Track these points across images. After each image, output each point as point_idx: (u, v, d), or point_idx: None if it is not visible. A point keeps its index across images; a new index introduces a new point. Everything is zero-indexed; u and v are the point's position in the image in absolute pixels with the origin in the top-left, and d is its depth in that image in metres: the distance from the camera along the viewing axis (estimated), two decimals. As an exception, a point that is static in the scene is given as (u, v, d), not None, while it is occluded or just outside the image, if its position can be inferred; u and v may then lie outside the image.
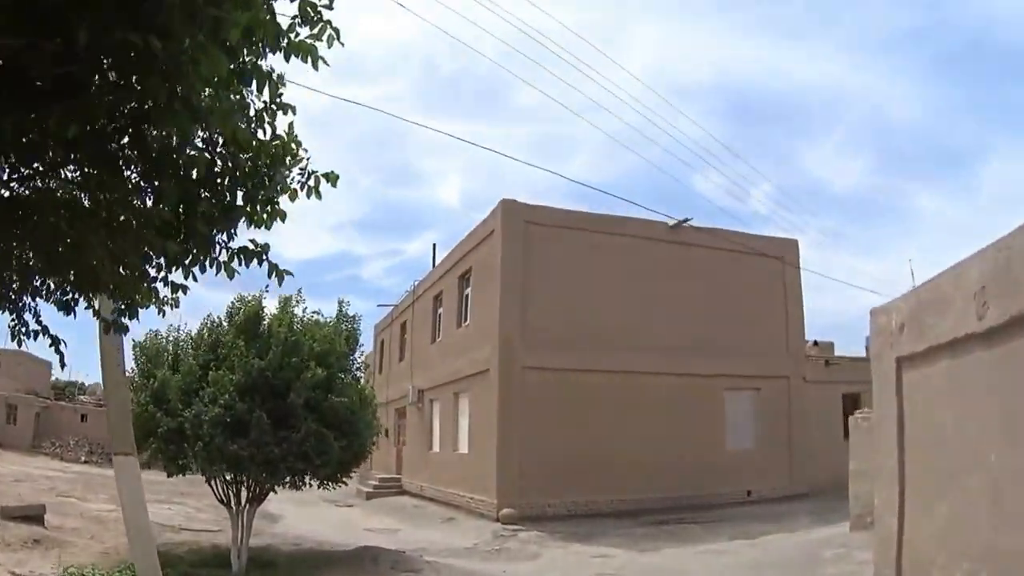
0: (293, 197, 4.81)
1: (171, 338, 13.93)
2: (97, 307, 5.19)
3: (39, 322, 5.16)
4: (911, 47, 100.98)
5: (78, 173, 4.28)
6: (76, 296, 4.93)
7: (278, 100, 4.49)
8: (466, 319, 25.79)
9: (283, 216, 4.84)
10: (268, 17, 3.66)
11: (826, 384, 26.51)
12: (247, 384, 12.05)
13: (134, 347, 13.58)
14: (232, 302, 13.68)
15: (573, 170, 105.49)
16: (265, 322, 13.18)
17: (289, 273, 4.85)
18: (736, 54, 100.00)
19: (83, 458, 43.83)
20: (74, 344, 5.20)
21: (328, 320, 14.10)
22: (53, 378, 63.52)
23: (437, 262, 31.97)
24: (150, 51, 3.09)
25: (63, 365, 5.38)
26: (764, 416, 24.94)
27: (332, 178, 4.84)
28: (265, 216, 4.76)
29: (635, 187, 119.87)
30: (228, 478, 12.97)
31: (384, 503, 28.09)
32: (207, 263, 4.70)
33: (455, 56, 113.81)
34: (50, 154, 3.94)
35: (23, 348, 5.81)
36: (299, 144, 4.74)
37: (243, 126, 4.26)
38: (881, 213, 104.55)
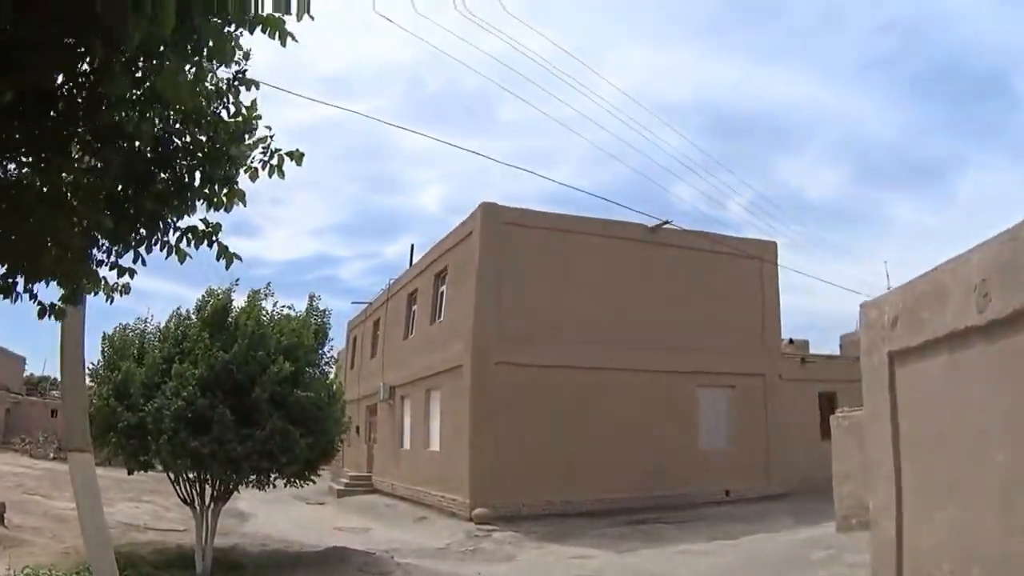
0: (254, 177, 4.46)
1: (139, 331, 13.48)
2: (35, 290, 4.80)
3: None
4: (887, 70, 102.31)
5: (16, 147, 3.91)
6: (14, 279, 4.54)
7: (242, 75, 4.17)
8: (440, 316, 25.42)
9: (243, 197, 4.48)
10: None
11: (802, 382, 26.35)
12: (210, 378, 11.58)
13: (103, 340, 13.24)
14: (201, 295, 13.28)
15: (557, 178, 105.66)
16: (233, 315, 12.75)
17: (238, 257, 4.51)
18: (716, 75, 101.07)
19: (51, 454, 43.08)
20: (51, 338, 4.88)
21: (298, 314, 13.68)
22: (27, 373, 62.71)
23: (414, 262, 31.54)
24: (90, 6, 2.74)
25: None
26: (740, 414, 24.75)
27: (296, 156, 4.50)
28: (224, 197, 4.41)
29: (620, 190, 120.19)
30: (191, 476, 12.51)
31: (355, 502, 27.70)
32: (155, 244, 4.35)
33: (441, 74, 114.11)
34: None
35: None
36: (258, 118, 4.38)
37: (199, 96, 3.91)
38: (856, 221, 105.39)
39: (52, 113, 3.60)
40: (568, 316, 22.30)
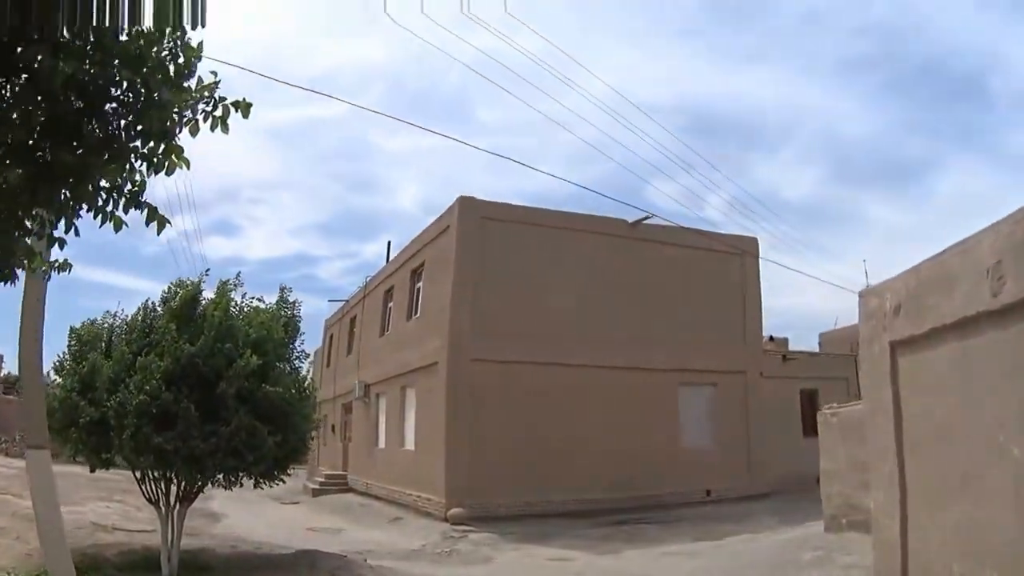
0: (194, 131, 3.99)
1: (107, 324, 12.93)
2: None
3: None
4: (865, 71, 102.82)
5: None
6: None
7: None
8: (416, 312, 25.01)
9: (180, 154, 4.01)
10: None
11: (783, 379, 26.23)
12: (176, 371, 11.04)
13: (70, 333, 12.65)
14: (168, 286, 12.74)
15: (534, 182, 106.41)
16: (201, 307, 12.22)
17: (168, 221, 4.05)
18: (696, 76, 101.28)
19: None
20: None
21: (268, 306, 13.13)
22: (5, 372, 61.84)
23: (391, 259, 31.09)
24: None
25: None
26: (721, 412, 24.52)
27: (243, 106, 4.04)
28: (160, 154, 3.94)
29: (596, 198, 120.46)
30: (156, 475, 11.98)
31: (330, 501, 27.34)
32: (84, 209, 3.90)
33: (421, 76, 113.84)
34: None
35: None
36: (198, 59, 3.90)
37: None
38: (833, 221, 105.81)
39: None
40: (547, 312, 21.94)
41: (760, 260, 26.48)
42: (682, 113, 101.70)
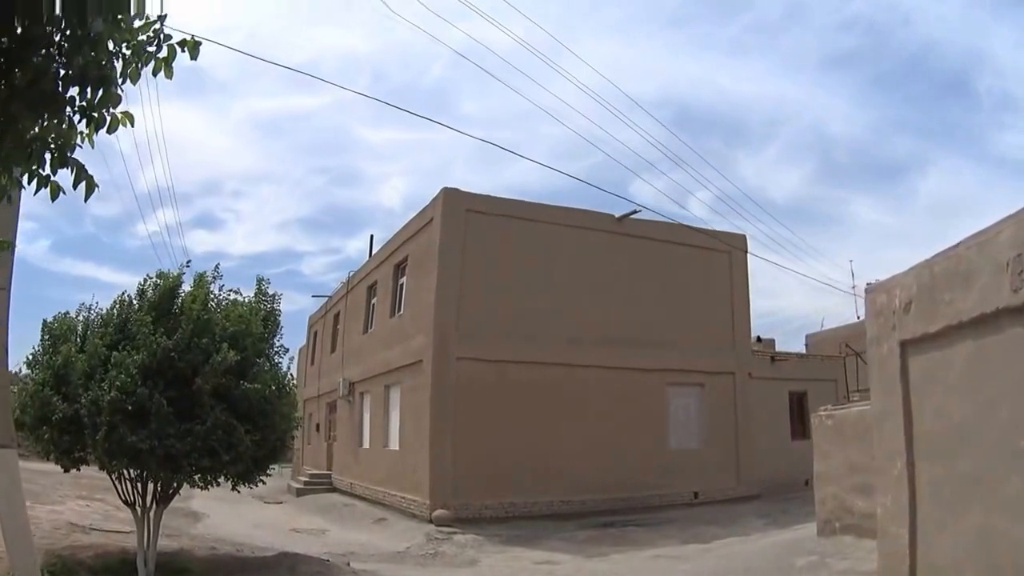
0: (135, 77, 3.62)
1: (81, 317, 12.47)
2: None
3: None
4: (850, 67, 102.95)
5: None
6: None
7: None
8: (400, 309, 24.59)
9: (118, 103, 3.62)
10: None
11: (772, 381, 26.00)
12: (150, 365, 10.62)
13: (42, 327, 12.10)
14: (146, 276, 12.26)
15: (518, 175, 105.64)
16: (179, 299, 11.78)
17: (95, 185, 3.71)
18: (680, 69, 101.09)
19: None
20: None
21: (246, 298, 12.60)
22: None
23: (374, 253, 30.65)
24: None
25: None
26: (709, 413, 24.25)
27: (190, 45, 3.69)
28: (97, 104, 3.55)
29: (580, 192, 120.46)
30: (131, 475, 11.54)
31: (314, 501, 26.98)
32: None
33: (405, 67, 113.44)
34: None
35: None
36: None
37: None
38: (817, 220, 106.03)
39: None
40: (533, 310, 21.60)
41: (748, 256, 26.26)
42: (666, 107, 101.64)
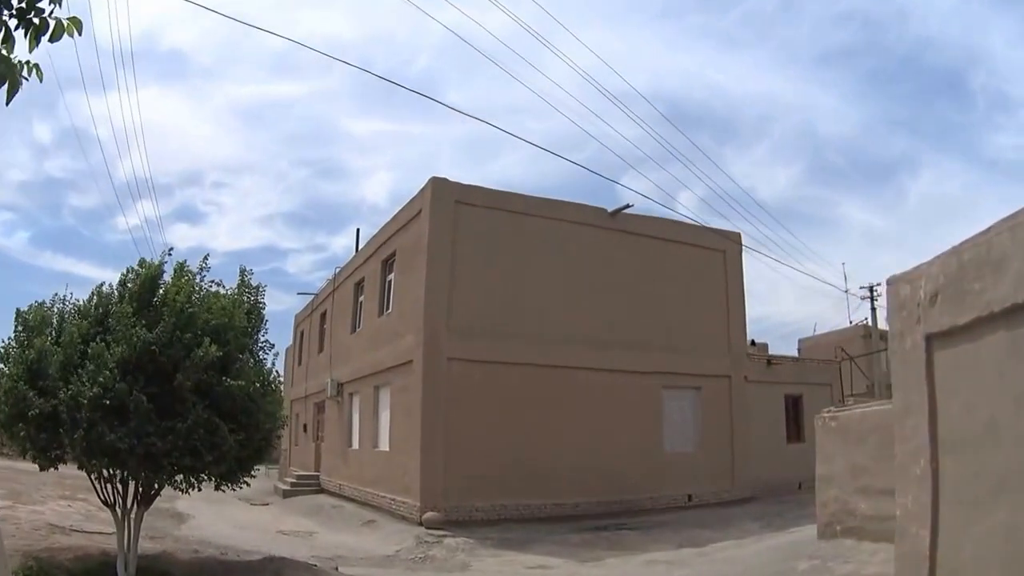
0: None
1: (56, 308, 11.96)
2: None
3: None
4: (844, 63, 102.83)
5: None
6: None
7: None
8: (388, 307, 24.24)
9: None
10: None
11: (768, 384, 25.96)
12: (130, 359, 10.13)
13: (16, 317, 11.56)
14: (128, 268, 11.64)
15: (504, 170, 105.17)
16: (161, 291, 11.26)
17: (25, 78, 3.38)
18: (671, 62, 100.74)
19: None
20: None
21: (229, 290, 12.07)
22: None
23: (360, 248, 30.32)
24: None
25: None
26: (704, 417, 24.10)
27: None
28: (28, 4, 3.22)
29: (566, 188, 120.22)
30: (108, 474, 11.08)
31: (301, 502, 26.74)
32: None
33: (389, 55, 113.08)
34: None
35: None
36: None
37: None
38: (807, 220, 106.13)
39: None
40: (525, 309, 21.34)
41: (743, 255, 26.25)
42: (656, 101, 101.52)
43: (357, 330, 27.63)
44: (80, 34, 3.49)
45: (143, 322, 10.43)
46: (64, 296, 11.90)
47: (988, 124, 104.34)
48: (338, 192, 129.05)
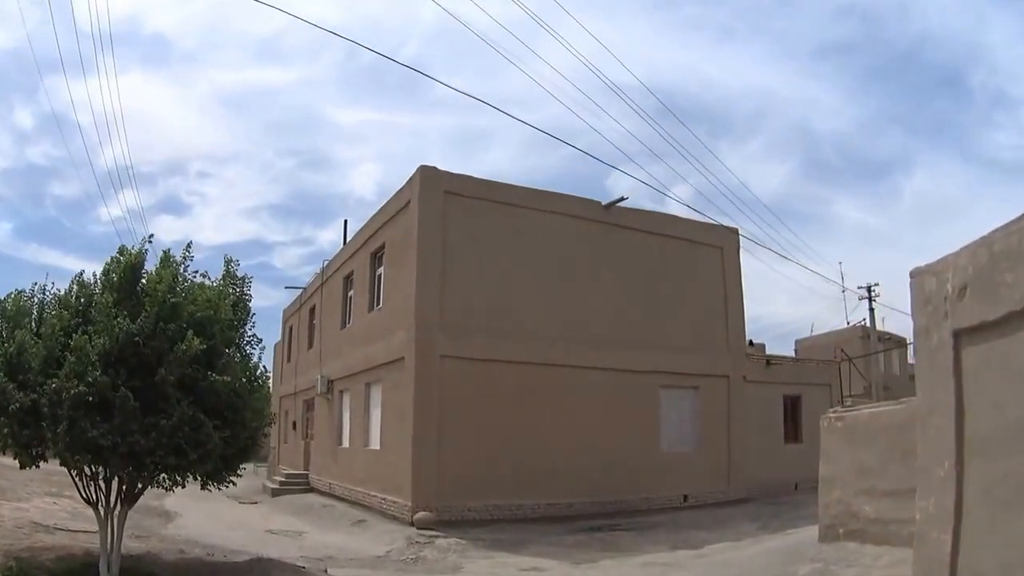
0: None
1: (37, 299, 11.54)
2: None
3: None
4: (841, 57, 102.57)
5: None
6: None
7: None
8: (379, 302, 23.88)
9: None
10: None
11: (766, 384, 25.80)
12: (113, 351, 9.71)
13: None
14: (112, 257, 11.06)
15: (493, 164, 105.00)
16: (143, 280, 10.76)
17: None
18: (665, 54, 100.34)
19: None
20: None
21: (214, 281, 11.59)
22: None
23: (349, 240, 29.80)
24: None
25: None
26: (702, 416, 23.87)
27: None
28: None
29: (557, 183, 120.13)
30: (91, 471, 10.68)
31: (291, 501, 26.42)
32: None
33: (378, 42, 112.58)
34: None
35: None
36: None
37: None
38: (800, 218, 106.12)
39: None
40: (519, 305, 21.00)
41: (741, 252, 26.06)
42: (649, 95, 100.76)
43: (347, 326, 27.26)
44: None
45: (124, 312, 10.04)
46: (44, 285, 11.49)
47: (987, 122, 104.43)
48: (324, 183, 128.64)
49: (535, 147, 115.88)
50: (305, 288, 35.75)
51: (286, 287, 40.35)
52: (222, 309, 10.90)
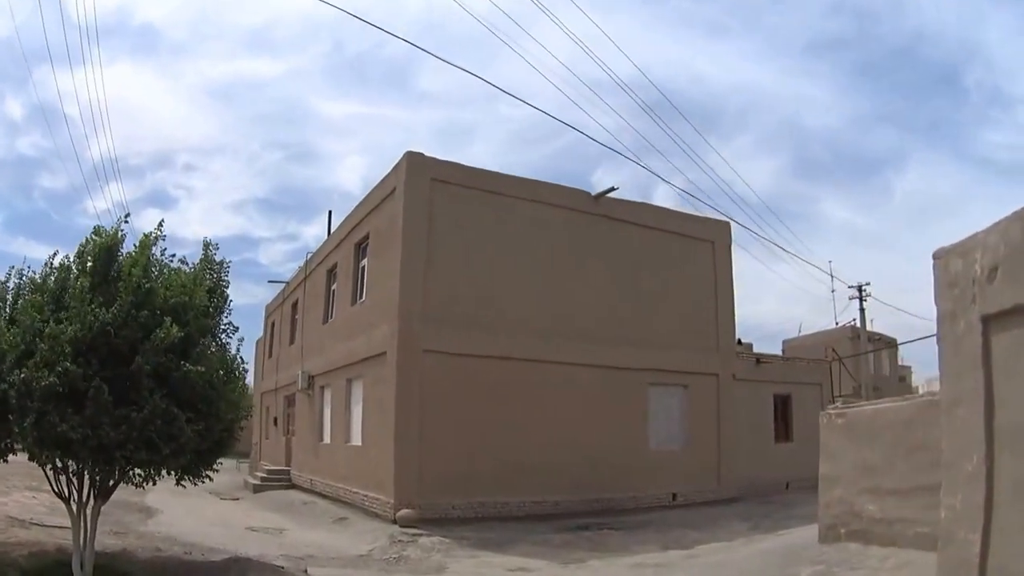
0: None
1: (12, 284, 11.07)
2: None
3: None
4: (834, 54, 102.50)
5: None
6: None
7: None
8: (362, 295, 23.36)
9: None
10: None
11: (756, 383, 25.61)
12: (85, 339, 9.21)
13: None
14: (86, 239, 10.50)
15: (477, 157, 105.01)
16: (119, 263, 10.24)
17: None
18: (654, 49, 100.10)
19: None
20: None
21: (191, 267, 11.09)
22: None
23: (333, 231, 29.31)
24: None
25: None
26: (691, 415, 23.52)
27: None
28: None
29: (540, 178, 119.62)
30: (62, 465, 10.22)
31: (272, 497, 26.02)
32: None
33: (364, 36, 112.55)
34: None
35: None
36: None
37: None
38: (789, 217, 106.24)
39: None
40: (505, 298, 20.54)
41: (733, 246, 25.84)
42: (639, 90, 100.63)
43: (330, 320, 26.79)
44: None
45: (100, 299, 9.56)
46: (21, 270, 10.97)
47: (982, 121, 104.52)
48: (310, 177, 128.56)
49: (520, 142, 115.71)
50: (288, 282, 35.27)
51: (269, 281, 39.95)
52: (197, 295, 10.39)
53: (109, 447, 9.14)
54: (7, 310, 10.41)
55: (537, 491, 19.87)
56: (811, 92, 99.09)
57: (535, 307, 20.92)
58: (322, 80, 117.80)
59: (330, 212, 32.59)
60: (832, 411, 11.36)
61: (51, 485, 10.58)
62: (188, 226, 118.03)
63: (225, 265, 11.49)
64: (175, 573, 11.92)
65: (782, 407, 26.45)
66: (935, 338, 4.89)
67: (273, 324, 38.32)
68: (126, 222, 10.67)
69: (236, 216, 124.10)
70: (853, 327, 39.68)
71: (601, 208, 22.55)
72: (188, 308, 10.10)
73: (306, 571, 12.69)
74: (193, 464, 10.50)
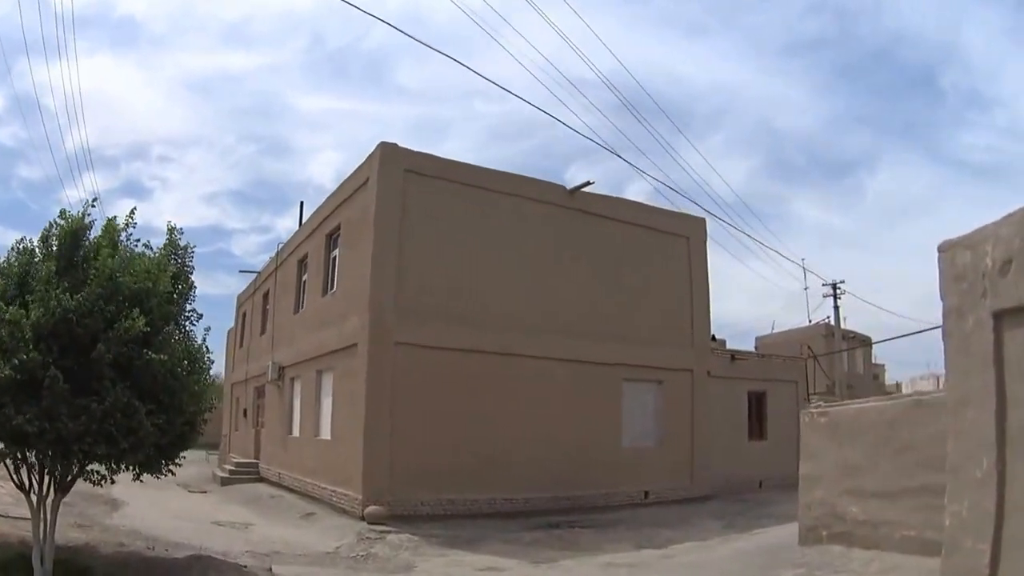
0: None
1: None
2: None
3: None
4: (812, 54, 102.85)
5: None
6: None
7: None
8: (333, 286, 23.05)
9: None
10: None
11: (731, 380, 25.49)
12: (46, 326, 8.83)
13: None
14: (51, 222, 10.13)
15: (451, 153, 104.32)
16: (85, 248, 9.93)
17: None
18: (632, 48, 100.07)
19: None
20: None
21: (155, 252, 10.64)
22: None
23: (305, 221, 28.84)
24: None
25: None
26: (665, 411, 23.33)
27: None
28: None
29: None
30: (20, 456, 9.80)
31: (240, 491, 25.63)
32: None
33: (344, 30, 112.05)
34: None
35: None
36: None
37: None
38: (761, 216, 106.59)
39: None
40: (478, 291, 20.27)
41: (707, 243, 25.68)
42: (615, 89, 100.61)
43: (300, 311, 26.41)
44: None
45: (65, 284, 9.16)
46: None
47: (958, 123, 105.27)
48: (284, 171, 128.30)
49: (495, 138, 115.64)
50: (260, 272, 34.82)
51: (240, 271, 39.52)
52: (161, 281, 10.00)
53: (67, 440, 8.75)
54: None
55: (508, 488, 19.65)
56: (787, 92, 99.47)
57: (509, 300, 20.69)
58: (300, 74, 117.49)
59: (302, 203, 32.27)
60: (814, 410, 11.16)
61: (10, 476, 10.18)
62: (161, 217, 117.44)
63: (190, 250, 11.10)
64: (136, 570, 11.52)
65: (756, 405, 26.34)
66: (940, 333, 4.67)
67: (244, 314, 37.85)
68: (93, 206, 10.30)
69: (210, 208, 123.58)
70: (827, 325, 39.80)
71: (577, 202, 22.34)
72: (152, 295, 9.70)
73: (270, 569, 12.36)
74: (153, 459, 10.11)
